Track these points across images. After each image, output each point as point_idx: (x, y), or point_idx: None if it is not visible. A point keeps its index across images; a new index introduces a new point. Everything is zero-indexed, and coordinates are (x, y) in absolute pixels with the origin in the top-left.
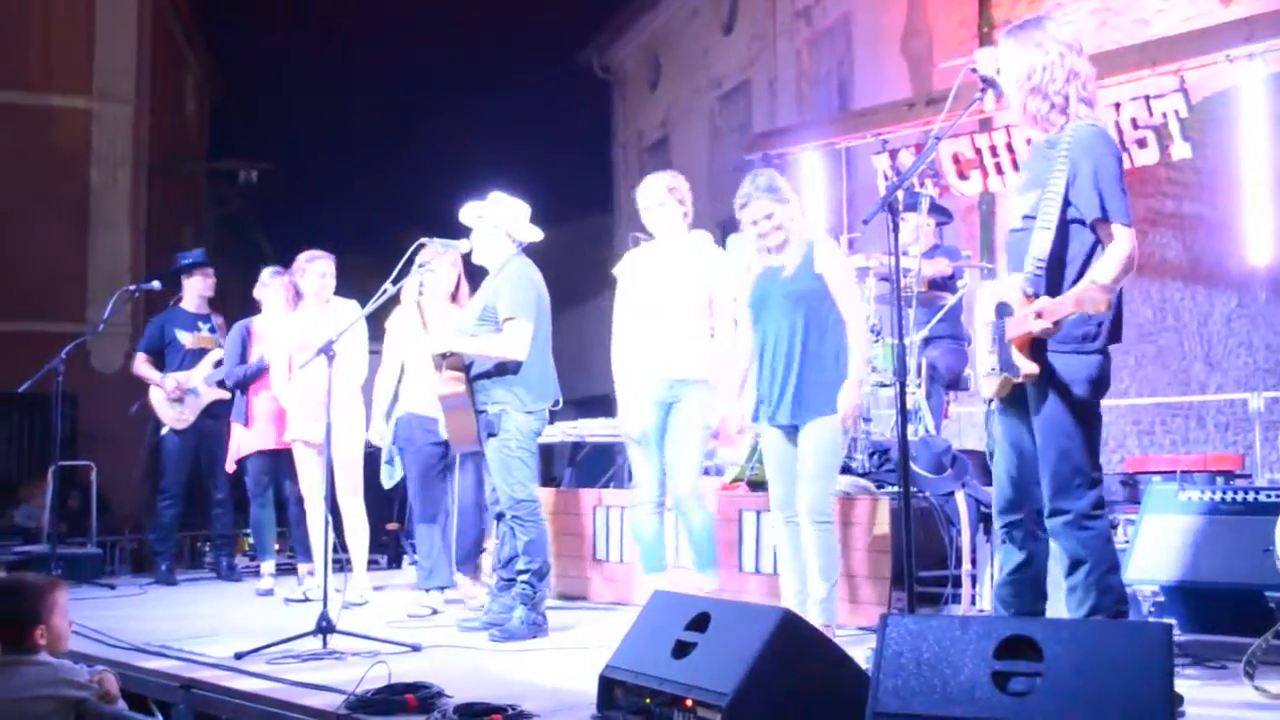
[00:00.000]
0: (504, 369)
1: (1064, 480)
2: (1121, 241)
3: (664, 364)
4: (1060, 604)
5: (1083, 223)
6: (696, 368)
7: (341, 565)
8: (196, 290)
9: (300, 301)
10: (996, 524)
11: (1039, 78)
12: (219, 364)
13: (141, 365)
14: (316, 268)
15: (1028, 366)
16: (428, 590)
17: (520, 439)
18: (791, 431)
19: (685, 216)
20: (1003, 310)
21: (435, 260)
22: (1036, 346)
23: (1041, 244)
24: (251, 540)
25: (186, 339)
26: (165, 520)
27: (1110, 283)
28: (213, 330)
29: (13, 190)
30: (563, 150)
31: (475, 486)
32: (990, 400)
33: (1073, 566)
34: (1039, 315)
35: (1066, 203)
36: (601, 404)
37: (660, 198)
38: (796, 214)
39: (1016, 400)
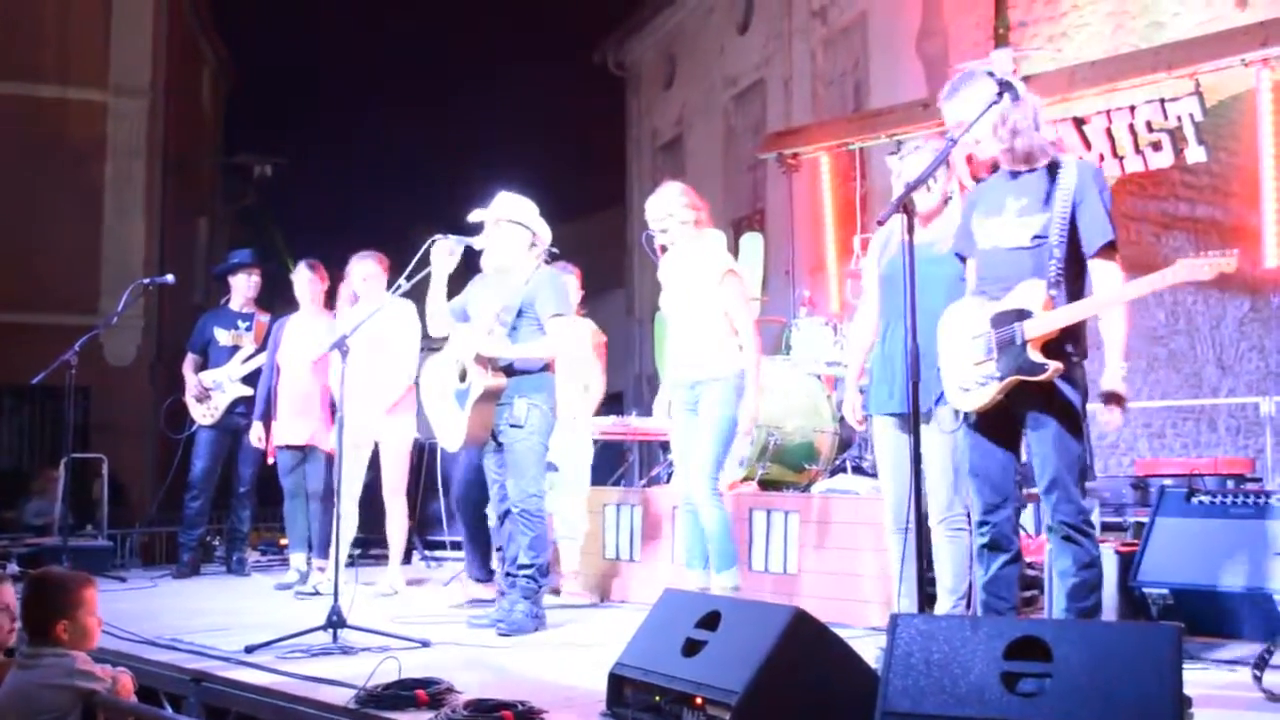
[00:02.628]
0: (544, 366)
1: (1077, 482)
2: (1117, 262)
3: (685, 367)
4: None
5: (1073, 241)
6: (711, 366)
7: (352, 560)
8: (240, 289)
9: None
10: (981, 528)
11: (1012, 120)
12: (248, 360)
13: (185, 364)
14: (359, 270)
15: (1055, 364)
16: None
17: (541, 436)
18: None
19: (695, 222)
20: (1001, 320)
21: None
22: (1052, 348)
23: (1060, 254)
24: (261, 535)
25: (223, 336)
26: (189, 513)
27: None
28: (249, 328)
29: (28, 182)
30: (577, 147)
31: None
32: (962, 415)
33: (1088, 565)
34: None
35: (1065, 220)
36: (612, 402)
37: (664, 216)
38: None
39: (994, 413)
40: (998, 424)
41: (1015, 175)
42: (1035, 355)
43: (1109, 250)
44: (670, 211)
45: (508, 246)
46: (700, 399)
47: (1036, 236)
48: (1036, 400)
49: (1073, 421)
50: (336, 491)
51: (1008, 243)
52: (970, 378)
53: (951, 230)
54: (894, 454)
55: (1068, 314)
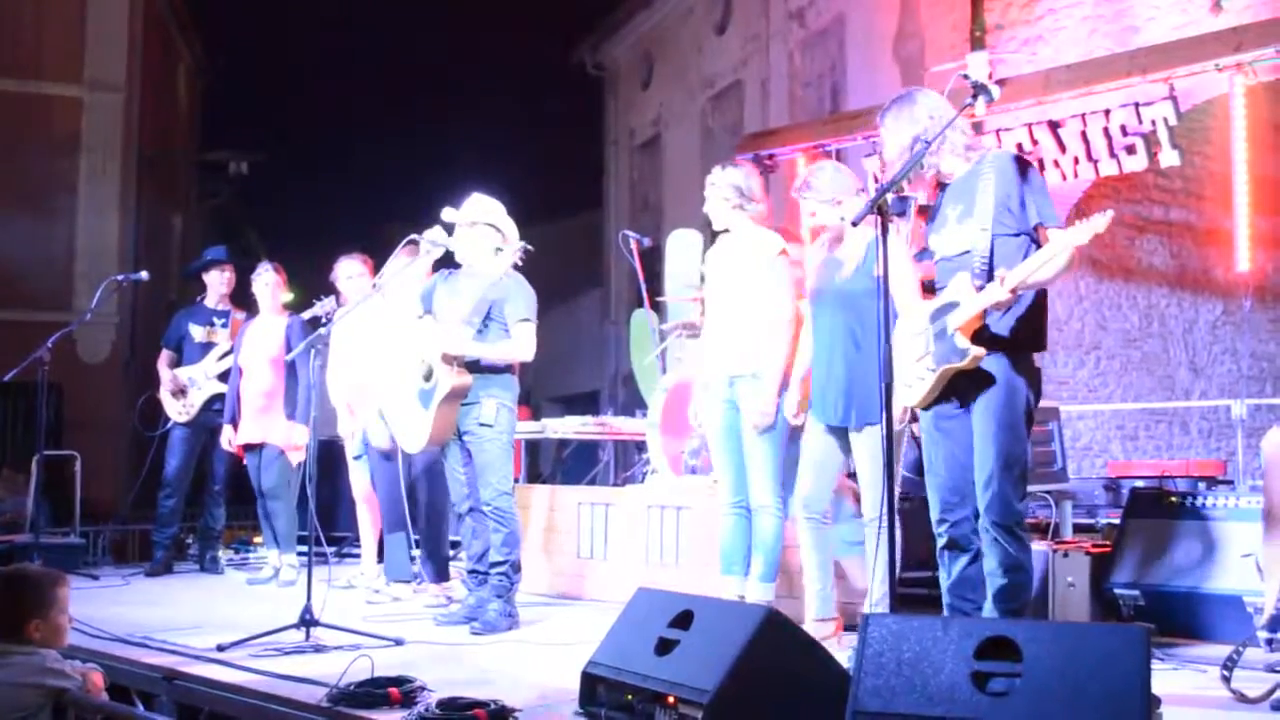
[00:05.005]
0: (508, 367)
1: (1014, 484)
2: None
3: (724, 360)
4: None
5: (1009, 235)
6: (752, 362)
7: (326, 558)
8: (214, 286)
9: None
10: (939, 528)
11: (915, 146)
12: (223, 357)
13: (160, 360)
14: (344, 269)
15: (976, 350)
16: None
17: (509, 433)
18: (840, 433)
19: (737, 207)
20: (939, 314)
21: (421, 258)
22: (981, 336)
23: (983, 245)
24: (235, 533)
25: (198, 333)
26: (163, 512)
27: (1058, 271)
28: (225, 325)
29: (1, 177)
30: (555, 147)
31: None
32: (913, 410)
33: (1014, 569)
34: (1001, 281)
35: (995, 217)
36: (588, 402)
37: (709, 184)
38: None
39: (953, 408)
40: (954, 424)
41: (944, 187)
42: (960, 342)
43: (1043, 233)
44: (719, 191)
45: (480, 248)
46: (742, 397)
47: (984, 229)
48: (980, 398)
49: (1012, 421)
50: (310, 488)
51: (951, 250)
52: (914, 373)
53: (857, 253)
54: (818, 456)
55: (980, 300)
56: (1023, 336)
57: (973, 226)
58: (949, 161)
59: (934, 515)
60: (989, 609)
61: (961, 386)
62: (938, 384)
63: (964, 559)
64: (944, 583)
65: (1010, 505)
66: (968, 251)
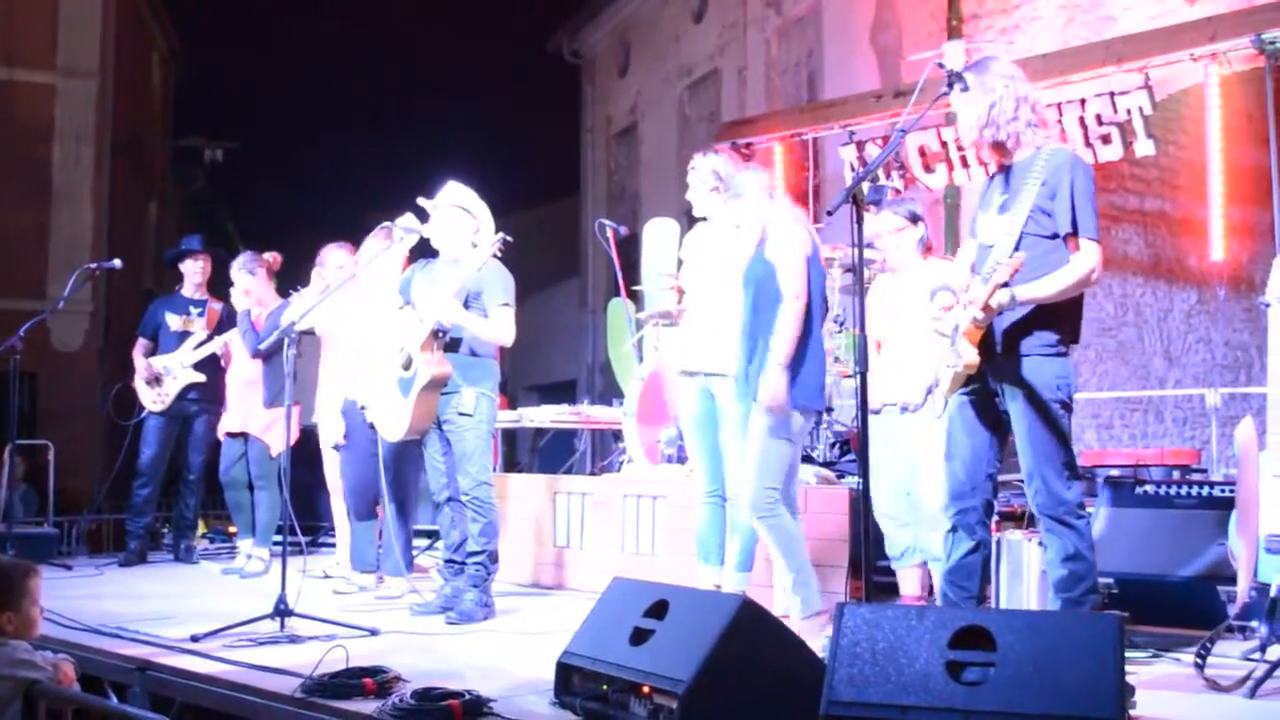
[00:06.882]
0: (490, 354)
1: (1057, 473)
2: (1088, 254)
3: (695, 355)
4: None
5: (1042, 236)
6: (724, 360)
7: (302, 548)
8: (189, 275)
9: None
10: (948, 512)
11: (991, 113)
12: (199, 346)
13: (135, 349)
14: (333, 258)
15: (969, 356)
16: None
17: (489, 425)
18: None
19: (714, 190)
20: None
21: (395, 245)
22: (985, 342)
23: (1005, 249)
24: (210, 523)
25: (174, 322)
26: (137, 501)
27: (1061, 290)
28: (201, 314)
29: None
30: (531, 135)
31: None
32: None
33: (1071, 558)
34: (971, 303)
35: (1030, 217)
36: (565, 390)
37: (690, 170)
38: (749, 205)
39: (979, 398)
40: (979, 412)
41: (1006, 169)
42: (962, 346)
43: (1073, 241)
44: (699, 176)
45: (454, 233)
46: (717, 394)
47: (1009, 233)
48: (1011, 393)
49: (1046, 414)
50: (284, 479)
51: (989, 238)
52: (947, 364)
53: (752, 241)
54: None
55: (966, 315)
56: (1024, 340)
57: (1007, 224)
58: (999, 131)
59: (946, 499)
60: (1052, 600)
61: (983, 382)
62: (954, 383)
63: (965, 545)
64: (944, 565)
65: (1056, 496)
66: (994, 245)
